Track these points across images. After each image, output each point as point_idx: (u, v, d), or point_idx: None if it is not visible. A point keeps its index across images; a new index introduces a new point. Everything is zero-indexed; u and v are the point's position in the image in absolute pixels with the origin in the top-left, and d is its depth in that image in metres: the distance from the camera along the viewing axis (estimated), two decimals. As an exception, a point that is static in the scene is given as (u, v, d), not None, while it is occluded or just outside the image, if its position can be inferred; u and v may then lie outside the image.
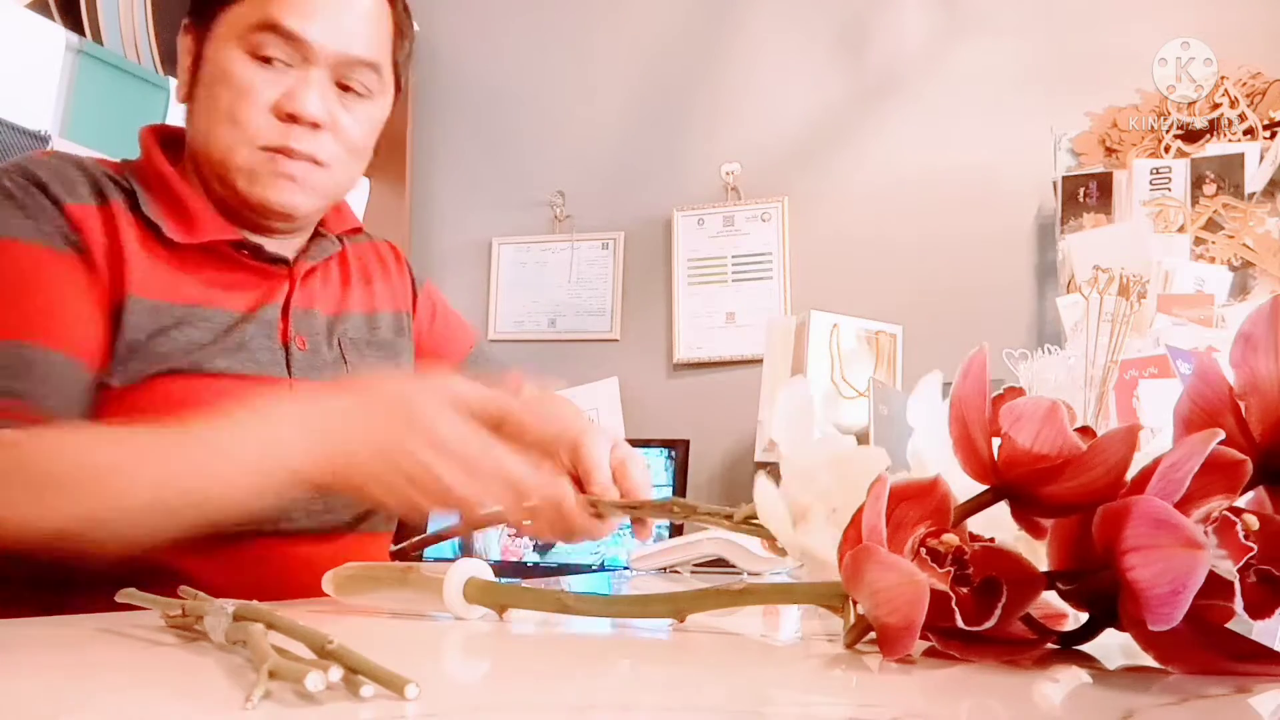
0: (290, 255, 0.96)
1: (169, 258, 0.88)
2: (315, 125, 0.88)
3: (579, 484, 0.78)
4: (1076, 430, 0.43)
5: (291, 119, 0.87)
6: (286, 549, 0.87)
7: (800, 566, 0.58)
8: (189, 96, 0.92)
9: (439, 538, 0.93)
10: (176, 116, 0.98)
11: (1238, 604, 0.37)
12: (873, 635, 0.43)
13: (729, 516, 0.63)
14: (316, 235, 1.00)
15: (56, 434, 0.75)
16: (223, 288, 0.90)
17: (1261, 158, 1.80)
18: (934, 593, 0.40)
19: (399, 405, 0.71)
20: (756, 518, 0.60)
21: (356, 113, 0.92)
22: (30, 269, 0.81)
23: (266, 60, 0.87)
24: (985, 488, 0.46)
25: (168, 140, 0.95)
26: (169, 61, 2.02)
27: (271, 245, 0.94)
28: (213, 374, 0.86)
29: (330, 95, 0.89)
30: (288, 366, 0.92)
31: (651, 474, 1.08)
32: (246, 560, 0.84)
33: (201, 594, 0.50)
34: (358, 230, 1.05)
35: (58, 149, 1.55)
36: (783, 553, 0.59)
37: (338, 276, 1.02)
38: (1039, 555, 0.45)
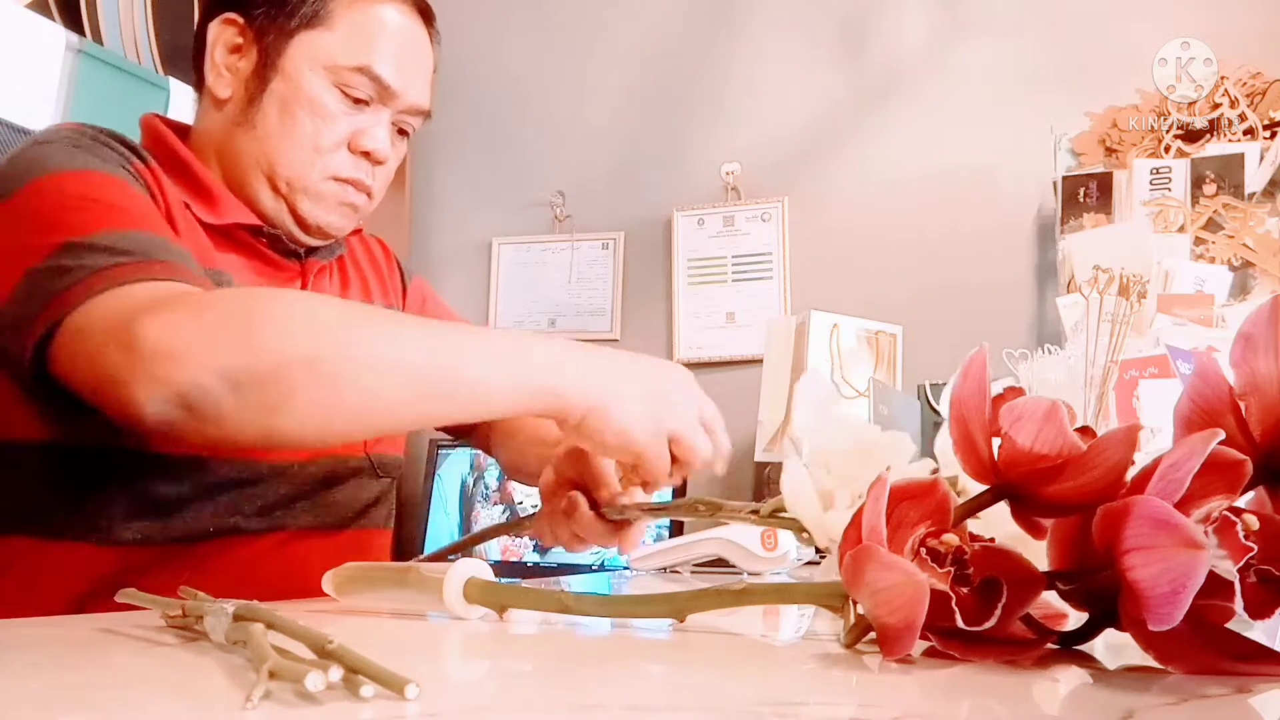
0: (301, 252, 0.97)
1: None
2: (380, 162, 0.94)
3: (591, 488, 0.83)
4: (1076, 430, 0.43)
5: (365, 155, 0.93)
6: (291, 546, 0.88)
7: (821, 557, 0.58)
8: (249, 100, 0.91)
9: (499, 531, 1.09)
10: (175, 116, 0.98)
11: (1238, 604, 0.37)
12: (873, 635, 0.43)
13: (755, 512, 0.63)
14: None
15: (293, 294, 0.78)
16: (241, 270, 0.92)
17: (1261, 158, 1.80)
18: (934, 593, 0.40)
19: (682, 376, 0.79)
20: (784, 511, 0.60)
21: (399, 149, 0.98)
22: (131, 194, 0.80)
23: (354, 99, 0.91)
24: (985, 488, 0.46)
25: (172, 130, 0.95)
26: (169, 61, 2.02)
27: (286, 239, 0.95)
28: None
29: (390, 134, 0.95)
30: None
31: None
32: (248, 558, 0.85)
33: (201, 594, 0.50)
34: (357, 232, 1.08)
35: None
36: (812, 543, 0.59)
37: (338, 275, 1.04)
38: (1039, 555, 0.45)
